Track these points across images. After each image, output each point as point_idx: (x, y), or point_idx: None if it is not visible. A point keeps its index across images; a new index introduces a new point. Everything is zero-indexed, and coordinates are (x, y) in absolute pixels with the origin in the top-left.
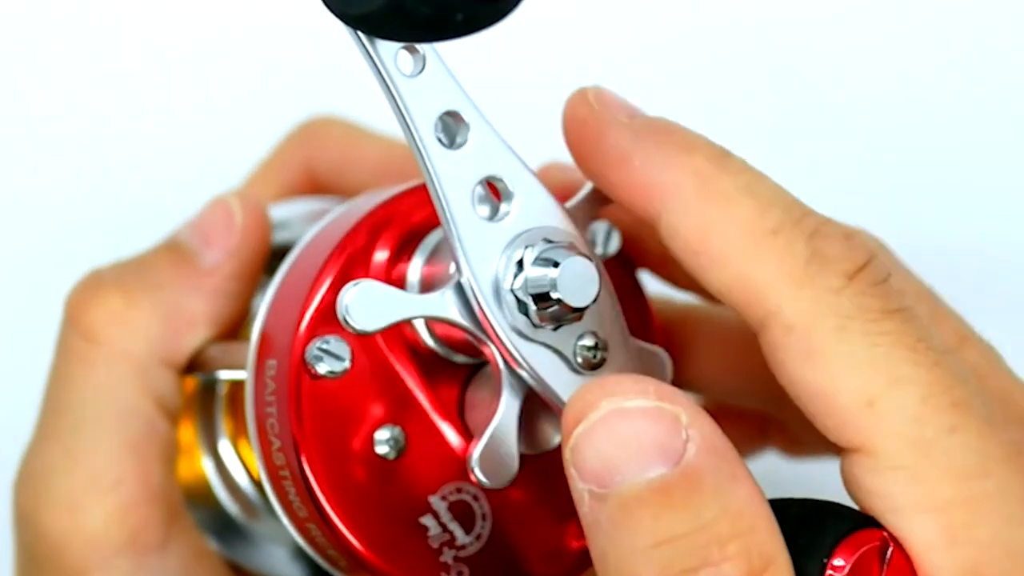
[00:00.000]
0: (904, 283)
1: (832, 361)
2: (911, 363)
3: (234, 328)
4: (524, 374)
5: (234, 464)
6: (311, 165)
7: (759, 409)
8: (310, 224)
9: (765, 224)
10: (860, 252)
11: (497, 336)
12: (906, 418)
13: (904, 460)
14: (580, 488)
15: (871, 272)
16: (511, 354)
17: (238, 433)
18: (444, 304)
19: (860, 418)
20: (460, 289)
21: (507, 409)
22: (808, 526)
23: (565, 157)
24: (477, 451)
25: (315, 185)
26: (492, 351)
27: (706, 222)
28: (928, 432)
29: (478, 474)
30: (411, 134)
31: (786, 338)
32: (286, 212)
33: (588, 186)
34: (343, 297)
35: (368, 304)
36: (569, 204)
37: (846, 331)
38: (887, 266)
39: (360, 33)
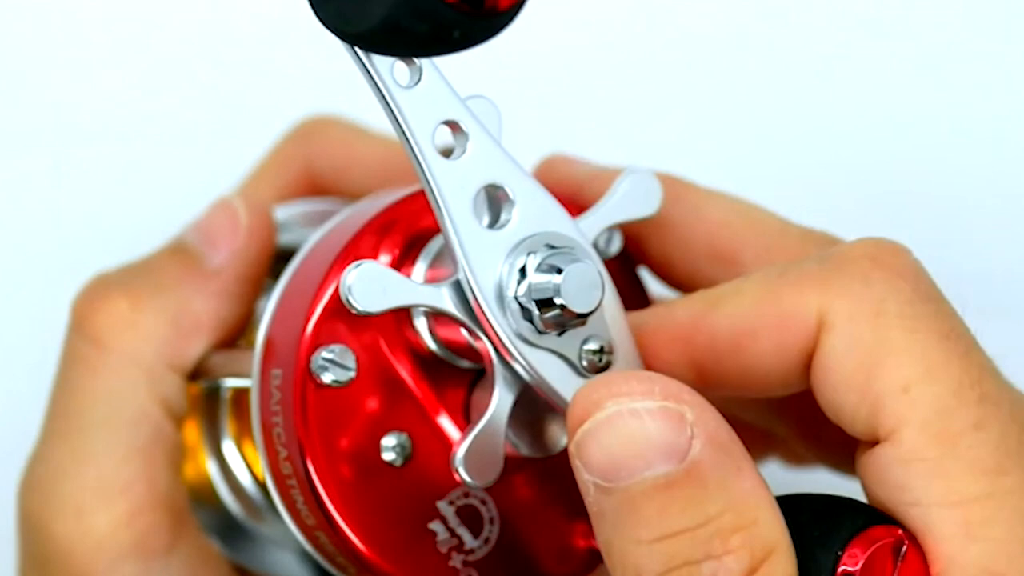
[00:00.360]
0: None
1: (874, 348)
2: (944, 351)
3: (239, 331)
4: (529, 379)
5: (238, 466)
6: (311, 165)
7: (762, 425)
8: (312, 227)
9: None
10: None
11: (502, 342)
12: (936, 409)
13: (928, 452)
14: (586, 479)
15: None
16: (517, 360)
17: (242, 435)
18: (441, 297)
19: (894, 403)
20: (458, 285)
21: (500, 403)
22: (824, 519)
23: (566, 150)
24: (462, 450)
25: (315, 185)
26: (486, 346)
27: None
28: (955, 426)
29: (463, 473)
30: (409, 145)
31: (825, 334)
32: (288, 214)
33: (598, 203)
34: (346, 278)
35: (370, 285)
36: (579, 218)
37: (883, 317)
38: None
39: (357, 48)
